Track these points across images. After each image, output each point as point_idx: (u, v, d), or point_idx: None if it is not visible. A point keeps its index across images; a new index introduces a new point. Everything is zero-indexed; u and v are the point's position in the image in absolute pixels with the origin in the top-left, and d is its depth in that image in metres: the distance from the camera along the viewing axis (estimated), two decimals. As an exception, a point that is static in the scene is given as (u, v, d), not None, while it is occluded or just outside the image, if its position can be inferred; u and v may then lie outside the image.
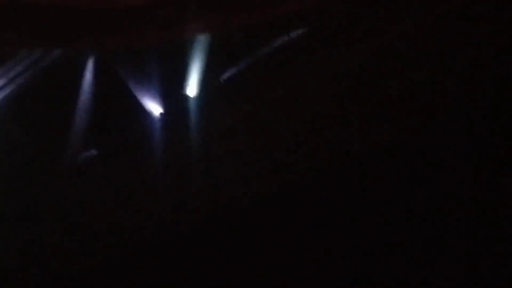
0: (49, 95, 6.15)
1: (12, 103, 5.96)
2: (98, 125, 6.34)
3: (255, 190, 6.47)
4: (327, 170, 6.33)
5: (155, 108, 6.60)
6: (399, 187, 6.07)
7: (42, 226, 6.27)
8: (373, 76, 6.20)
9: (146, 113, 6.55)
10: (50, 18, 4.56)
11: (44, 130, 6.19)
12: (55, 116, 6.22)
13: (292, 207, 6.29)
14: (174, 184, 6.51)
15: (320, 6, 5.69)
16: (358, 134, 6.38)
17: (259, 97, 6.46)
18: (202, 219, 6.51)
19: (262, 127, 6.48)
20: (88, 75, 6.18)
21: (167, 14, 4.82)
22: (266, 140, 6.48)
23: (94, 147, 6.47)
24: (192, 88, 6.54)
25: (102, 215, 6.30)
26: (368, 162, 6.13)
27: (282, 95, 6.43)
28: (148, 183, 6.42)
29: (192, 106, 6.48)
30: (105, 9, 4.66)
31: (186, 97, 6.53)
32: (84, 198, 6.24)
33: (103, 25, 4.78)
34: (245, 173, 6.50)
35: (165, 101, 6.60)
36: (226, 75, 6.61)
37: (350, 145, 6.35)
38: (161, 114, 6.57)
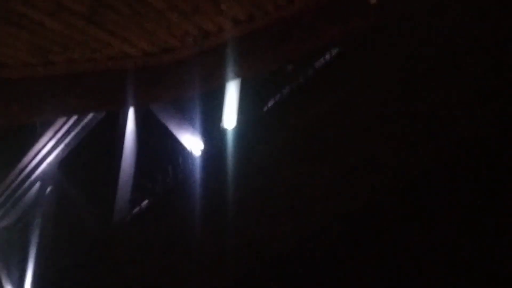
0: (96, 148, 6.15)
1: (63, 161, 6.00)
2: (144, 173, 6.32)
3: (301, 225, 6.26)
4: (379, 199, 5.99)
5: (196, 145, 6.57)
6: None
7: (98, 279, 6.25)
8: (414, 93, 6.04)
9: (187, 153, 6.51)
10: (104, 83, 4.62)
11: (94, 183, 6.20)
12: (104, 168, 6.22)
13: (343, 243, 5.95)
14: (218, 224, 6.35)
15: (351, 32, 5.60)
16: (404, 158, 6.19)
17: (298, 123, 6.35)
18: (249, 264, 6.28)
19: (303, 156, 6.35)
20: (130, 123, 6.18)
21: (210, 63, 4.82)
22: (310, 169, 6.33)
23: (142, 197, 6.44)
24: (230, 121, 6.49)
25: (153, 265, 6.20)
26: (421, 187, 5.73)
27: (320, 119, 6.31)
28: (193, 227, 6.29)
29: (231, 138, 6.41)
30: (151, 66, 4.69)
31: (225, 131, 6.49)
32: (136, 248, 6.18)
33: (151, 81, 4.80)
34: (290, 206, 6.32)
35: (205, 137, 6.56)
36: (264, 105, 6.52)
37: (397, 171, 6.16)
38: (202, 150, 6.52)
